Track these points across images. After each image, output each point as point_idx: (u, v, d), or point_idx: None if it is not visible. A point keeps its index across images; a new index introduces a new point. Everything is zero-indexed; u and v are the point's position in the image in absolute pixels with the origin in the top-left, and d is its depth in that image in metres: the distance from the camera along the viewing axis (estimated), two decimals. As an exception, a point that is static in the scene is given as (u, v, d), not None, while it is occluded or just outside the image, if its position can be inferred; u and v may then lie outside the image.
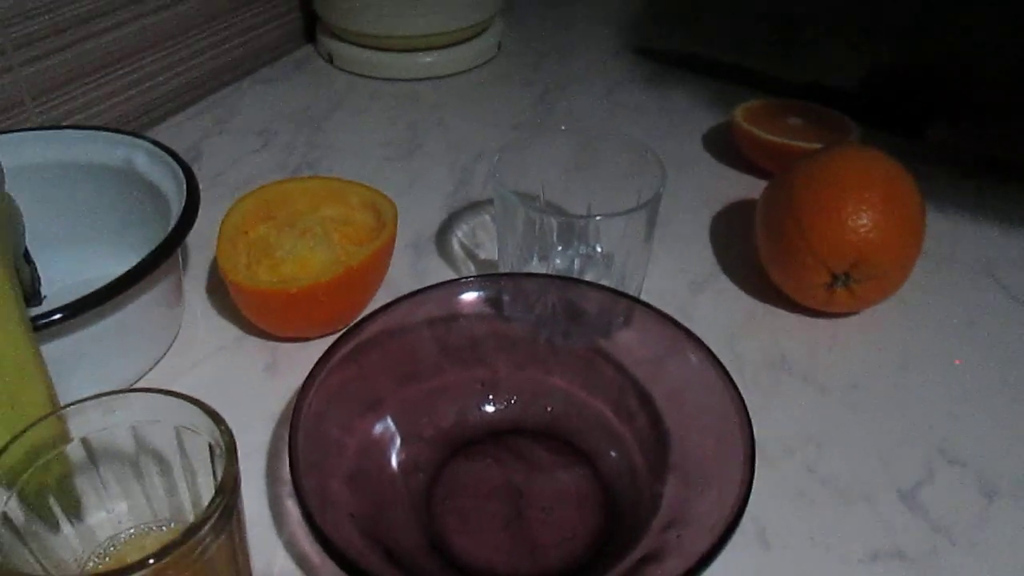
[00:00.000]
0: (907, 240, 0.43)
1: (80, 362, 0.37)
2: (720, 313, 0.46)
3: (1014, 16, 0.57)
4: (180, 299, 0.45)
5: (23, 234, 0.40)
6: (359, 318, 0.37)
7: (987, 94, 0.60)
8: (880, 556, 0.34)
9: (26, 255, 0.41)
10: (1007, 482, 0.37)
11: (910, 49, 0.65)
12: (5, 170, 0.39)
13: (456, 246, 0.52)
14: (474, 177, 0.58)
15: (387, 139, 0.63)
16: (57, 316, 0.34)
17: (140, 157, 0.45)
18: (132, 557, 0.23)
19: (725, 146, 0.61)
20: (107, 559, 0.30)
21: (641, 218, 0.40)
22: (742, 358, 0.43)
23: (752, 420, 0.32)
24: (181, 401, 0.28)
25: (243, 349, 0.44)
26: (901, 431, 0.40)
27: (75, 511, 0.30)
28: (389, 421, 0.37)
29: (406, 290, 0.38)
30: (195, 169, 0.44)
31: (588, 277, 0.42)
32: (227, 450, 0.26)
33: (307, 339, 0.44)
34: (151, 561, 0.23)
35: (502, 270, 0.45)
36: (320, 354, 0.35)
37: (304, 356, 0.40)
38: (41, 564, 0.28)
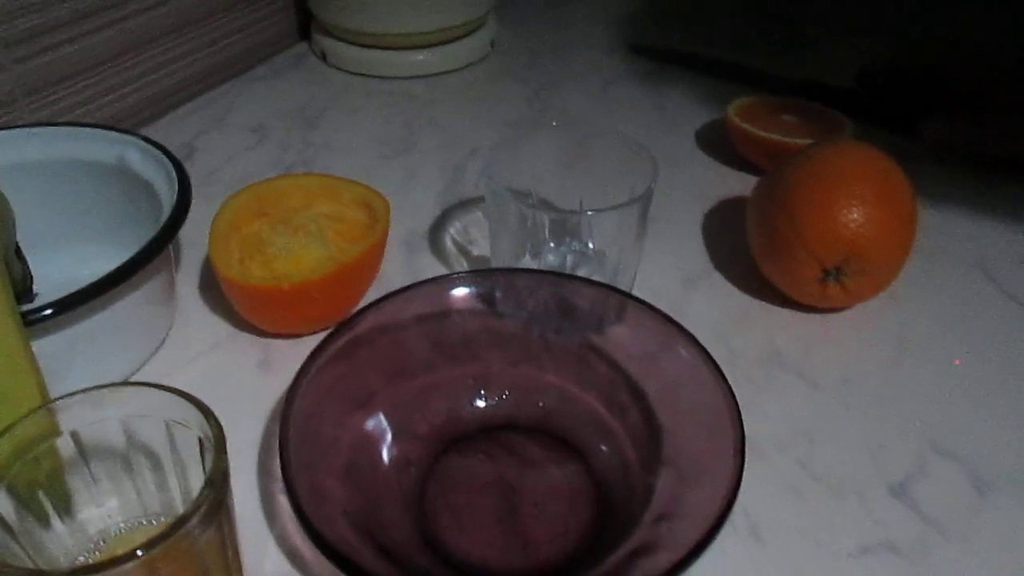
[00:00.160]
0: (899, 235, 0.43)
1: (72, 359, 0.37)
2: (713, 309, 0.46)
3: (1009, 14, 0.57)
4: (173, 296, 0.45)
5: (14, 231, 0.40)
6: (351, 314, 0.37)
7: (982, 92, 0.60)
8: (871, 550, 0.34)
9: (18, 252, 0.41)
10: (998, 476, 0.37)
11: (905, 47, 0.65)
12: (-4, 167, 0.39)
13: (449, 243, 0.52)
14: (467, 175, 0.58)
15: (381, 137, 0.63)
16: (48, 311, 0.34)
17: (133, 154, 0.45)
18: (122, 551, 0.23)
19: (719, 143, 0.61)
20: (97, 554, 0.30)
21: (633, 213, 0.40)
22: (735, 353, 0.43)
23: (744, 415, 0.32)
24: (170, 395, 0.28)
25: (236, 346, 0.44)
26: (893, 425, 0.40)
27: (66, 507, 0.30)
28: (381, 417, 0.37)
29: (399, 287, 0.38)
30: (189, 167, 0.44)
31: (581, 274, 0.42)
32: (216, 442, 0.26)
33: (300, 335, 0.44)
34: (139, 553, 0.23)
35: (495, 267, 0.45)
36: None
37: (297, 353, 0.40)
38: (32, 559, 0.28)
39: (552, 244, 0.43)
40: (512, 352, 0.40)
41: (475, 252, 0.51)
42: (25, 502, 0.28)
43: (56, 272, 0.43)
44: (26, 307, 0.34)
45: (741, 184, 0.57)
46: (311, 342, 0.36)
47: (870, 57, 0.67)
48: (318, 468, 0.32)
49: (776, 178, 0.45)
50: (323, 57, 0.74)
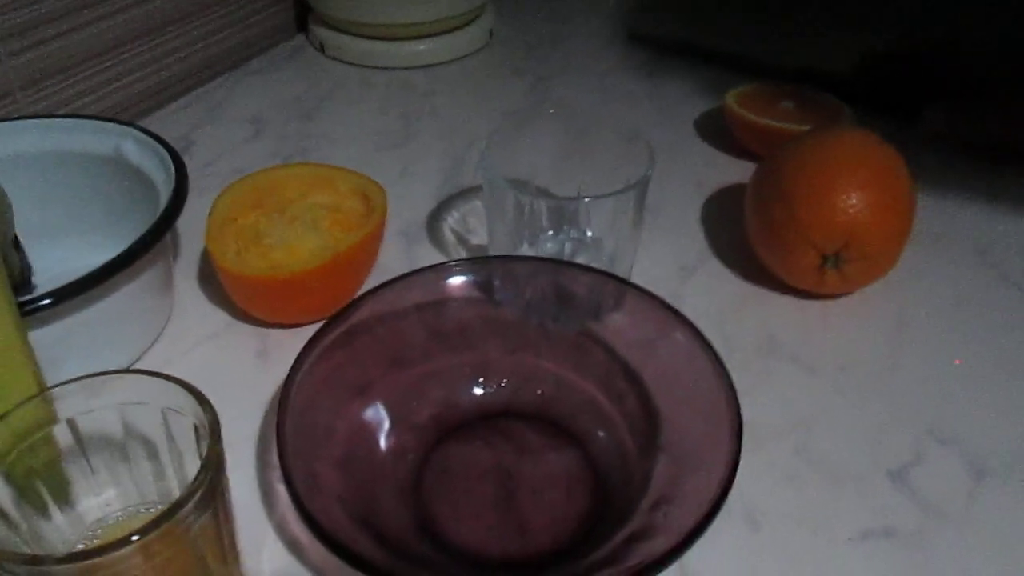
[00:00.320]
0: (897, 220, 0.42)
1: (70, 349, 0.37)
2: (711, 296, 0.46)
3: (1009, 1, 0.57)
4: (170, 286, 0.45)
5: (11, 222, 0.40)
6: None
7: (982, 79, 0.60)
8: (869, 536, 0.34)
9: (16, 243, 0.41)
10: (996, 461, 0.37)
11: (904, 34, 0.64)
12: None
13: (448, 232, 0.52)
14: (465, 165, 0.58)
15: (379, 128, 0.63)
16: (45, 301, 0.34)
17: (129, 146, 0.45)
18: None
19: (717, 131, 0.61)
20: (95, 541, 0.30)
21: (629, 200, 0.40)
22: (732, 340, 0.43)
23: (742, 402, 0.32)
24: (166, 382, 0.28)
25: (234, 336, 0.44)
26: (891, 412, 0.40)
27: (64, 496, 0.30)
28: (379, 405, 0.37)
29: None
30: (186, 159, 0.44)
31: (578, 261, 0.42)
32: (211, 428, 0.26)
33: (298, 325, 0.44)
34: (135, 538, 0.23)
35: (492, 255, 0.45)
36: (310, 340, 0.35)
37: (295, 342, 0.40)
38: (30, 548, 0.28)
39: (550, 232, 0.43)
40: (510, 340, 0.40)
41: (473, 241, 0.51)
42: (23, 491, 0.28)
43: (54, 263, 0.43)
44: (24, 297, 0.34)
45: (740, 172, 0.56)
46: (309, 332, 0.36)
47: (868, 44, 0.66)
48: (315, 456, 0.32)
49: (774, 165, 0.45)
50: (321, 48, 0.74)
